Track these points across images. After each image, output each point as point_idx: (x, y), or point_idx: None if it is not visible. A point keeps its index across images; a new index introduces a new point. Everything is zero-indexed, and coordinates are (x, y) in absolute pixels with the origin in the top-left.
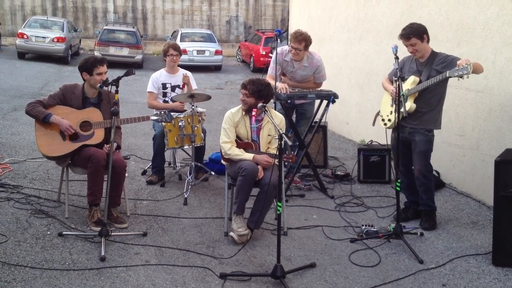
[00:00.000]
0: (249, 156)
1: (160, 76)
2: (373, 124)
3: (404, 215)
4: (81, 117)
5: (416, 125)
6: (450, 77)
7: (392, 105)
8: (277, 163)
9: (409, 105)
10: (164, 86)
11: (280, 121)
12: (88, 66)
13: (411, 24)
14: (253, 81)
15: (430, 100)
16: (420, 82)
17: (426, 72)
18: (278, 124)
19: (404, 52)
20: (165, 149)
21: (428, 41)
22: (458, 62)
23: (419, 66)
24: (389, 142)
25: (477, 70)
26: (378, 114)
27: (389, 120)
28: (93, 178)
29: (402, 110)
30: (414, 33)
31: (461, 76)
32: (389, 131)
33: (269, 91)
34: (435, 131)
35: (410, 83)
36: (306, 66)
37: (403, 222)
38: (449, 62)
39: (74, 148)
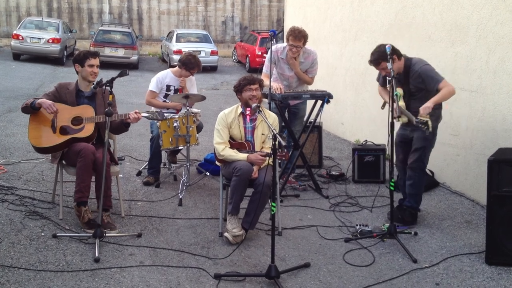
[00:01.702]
0: (243, 156)
1: (166, 77)
2: (382, 107)
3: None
4: (73, 113)
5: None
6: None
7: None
8: (271, 163)
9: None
10: (168, 88)
11: (274, 121)
12: (81, 58)
13: (378, 48)
14: (252, 76)
15: (423, 102)
16: (404, 92)
17: (406, 86)
18: (271, 123)
19: (402, 51)
20: (160, 149)
21: (399, 58)
22: (420, 111)
23: (398, 76)
24: (382, 142)
25: (444, 98)
26: (385, 103)
27: (399, 116)
28: (81, 174)
29: (396, 112)
30: (382, 57)
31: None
32: (383, 132)
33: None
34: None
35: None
36: (302, 62)
37: (397, 222)
38: (424, 79)
39: (62, 140)
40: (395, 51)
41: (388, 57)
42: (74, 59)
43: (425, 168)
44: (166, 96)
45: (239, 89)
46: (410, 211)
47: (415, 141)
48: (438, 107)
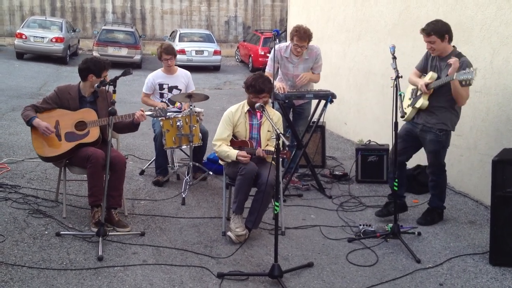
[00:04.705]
0: (234, 153)
1: (156, 77)
2: (402, 116)
3: (385, 210)
4: (76, 117)
5: (428, 123)
6: (457, 79)
7: (410, 98)
8: (275, 163)
9: (421, 102)
10: (161, 86)
11: (278, 119)
12: (99, 69)
13: (436, 21)
14: (264, 84)
15: (443, 99)
16: (438, 78)
17: (445, 70)
18: (276, 122)
19: (402, 52)
20: (164, 148)
21: (449, 40)
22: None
23: (437, 62)
24: (386, 142)
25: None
26: (416, 89)
27: (405, 113)
28: (93, 179)
29: (400, 110)
30: (436, 31)
31: (466, 82)
32: (386, 132)
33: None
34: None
35: (428, 79)
36: (307, 58)
37: (384, 217)
38: (461, 65)
39: (70, 147)
40: (448, 31)
41: (392, 56)
42: (89, 69)
43: (444, 167)
44: (161, 95)
45: (247, 91)
46: (437, 211)
47: (428, 143)
48: (452, 111)
